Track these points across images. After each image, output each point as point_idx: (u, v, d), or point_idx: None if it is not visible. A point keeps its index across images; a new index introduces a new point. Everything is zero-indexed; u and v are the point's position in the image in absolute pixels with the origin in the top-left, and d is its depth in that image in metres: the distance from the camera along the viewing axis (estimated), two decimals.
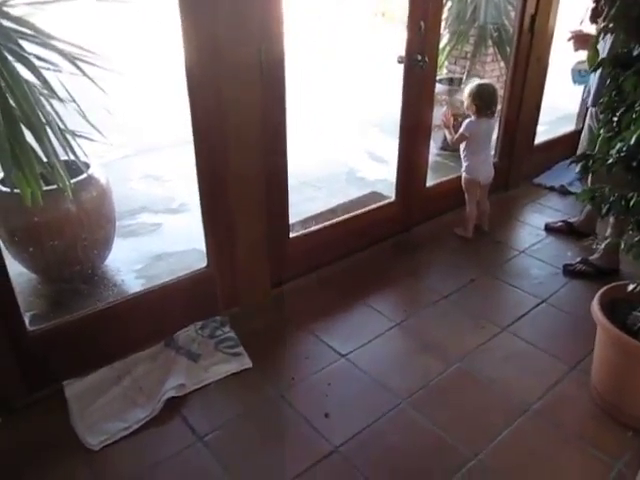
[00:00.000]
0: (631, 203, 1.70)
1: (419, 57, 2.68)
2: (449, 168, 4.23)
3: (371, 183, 4.04)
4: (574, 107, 4.91)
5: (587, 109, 2.94)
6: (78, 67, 2.37)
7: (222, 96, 2.10)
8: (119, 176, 4.31)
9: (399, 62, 2.73)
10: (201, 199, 2.29)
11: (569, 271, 2.88)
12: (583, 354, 2.31)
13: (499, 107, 3.33)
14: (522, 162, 3.76)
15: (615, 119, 1.64)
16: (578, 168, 1.99)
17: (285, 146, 2.43)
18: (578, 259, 2.91)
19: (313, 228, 2.81)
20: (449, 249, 3.11)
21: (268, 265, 2.58)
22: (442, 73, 5.38)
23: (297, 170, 4.32)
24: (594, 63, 1.69)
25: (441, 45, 4.56)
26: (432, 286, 2.79)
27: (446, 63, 5.23)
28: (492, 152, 3.18)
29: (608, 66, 1.76)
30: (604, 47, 2.60)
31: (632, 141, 1.49)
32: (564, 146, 4.15)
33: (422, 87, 2.80)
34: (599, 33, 1.63)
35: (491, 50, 4.66)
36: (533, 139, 3.81)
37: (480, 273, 2.88)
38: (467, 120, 3.05)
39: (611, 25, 1.49)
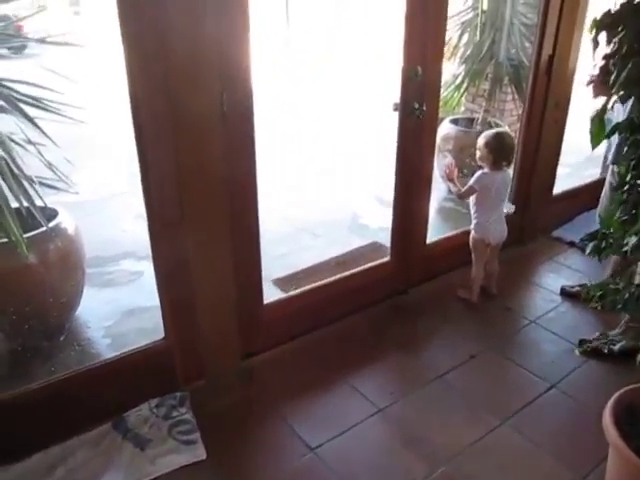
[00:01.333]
0: None
1: (416, 105, 2.40)
2: (459, 215, 3.91)
3: (374, 232, 3.73)
4: (601, 149, 4.56)
5: (608, 165, 2.60)
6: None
7: (179, 157, 1.86)
8: (110, 215, 4.13)
9: (394, 110, 2.45)
10: (155, 265, 2.03)
11: (586, 349, 2.52)
12: (595, 460, 1.95)
13: None
14: (539, 213, 3.42)
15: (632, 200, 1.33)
16: (589, 250, 1.66)
17: (255, 200, 2.18)
18: (597, 334, 2.54)
19: (293, 293, 2.53)
20: (450, 315, 2.78)
21: (238, 334, 2.29)
22: (459, 112, 5.10)
23: (295, 215, 4.10)
24: (598, 141, 1.38)
25: (457, 81, 4.31)
26: (426, 362, 2.46)
27: (463, 101, 4.95)
28: (503, 213, 2.84)
29: (626, 131, 1.44)
30: (624, 109, 2.29)
31: None
32: (587, 195, 3.77)
33: (420, 137, 2.51)
34: (606, 103, 1.32)
35: (510, 89, 4.35)
36: (551, 188, 3.47)
37: (482, 347, 2.53)
38: (480, 172, 2.73)
39: (622, 92, 1.18)
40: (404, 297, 2.87)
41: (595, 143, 1.37)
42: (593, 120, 1.37)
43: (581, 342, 2.54)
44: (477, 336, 2.63)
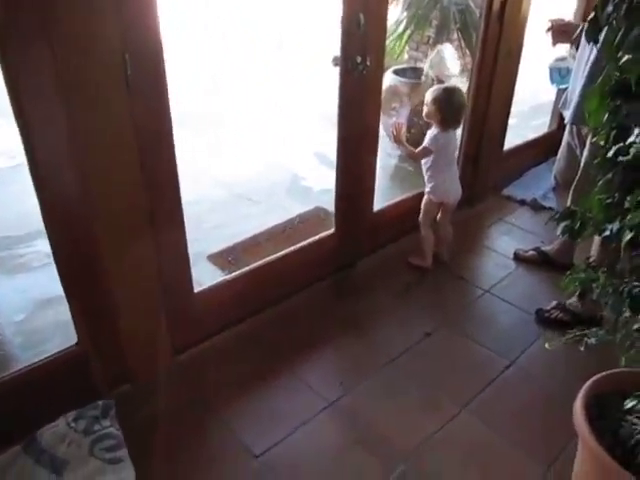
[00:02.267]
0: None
1: (359, 59, 2.10)
2: (412, 175, 3.69)
3: (316, 195, 3.46)
4: (550, 96, 4.40)
5: (565, 125, 2.40)
6: None
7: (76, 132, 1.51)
8: (20, 187, 3.66)
9: (334, 64, 2.15)
10: (57, 260, 1.70)
11: (543, 318, 2.39)
12: (561, 445, 1.83)
13: None
14: (489, 171, 3.24)
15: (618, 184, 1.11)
16: (560, 230, 1.46)
17: (176, 178, 1.84)
18: (553, 303, 2.41)
19: (227, 277, 2.25)
20: (402, 288, 2.58)
21: (167, 328, 2.01)
22: (402, 60, 4.81)
23: (231, 179, 3.69)
24: (599, 119, 1.14)
25: (400, 29, 4.00)
26: (378, 344, 2.26)
27: (407, 48, 4.65)
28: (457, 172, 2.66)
29: (606, 96, 1.21)
30: (583, 55, 2.07)
31: None
32: (537, 150, 3.64)
33: (364, 94, 2.22)
34: (606, 76, 1.06)
35: (457, 35, 4.08)
36: (502, 145, 3.28)
37: (437, 323, 2.36)
38: (432, 132, 2.50)
39: (627, 56, 0.94)
40: (352, 271, 2.65)
41: (594, 121, 1.13)
42: (590, 96, 1.12)
43: (537, 312, 2.41)
44: (431, 310, 2.45)
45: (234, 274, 2.23)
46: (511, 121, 3.61)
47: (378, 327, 2.35)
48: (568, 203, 2.19)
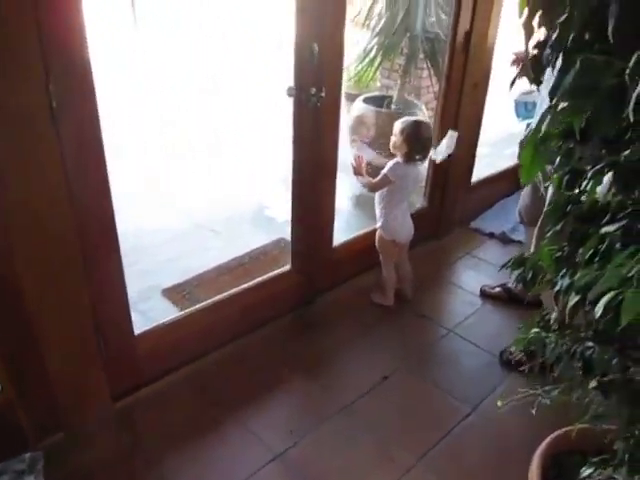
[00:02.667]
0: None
1: (313, 90, 2.01)
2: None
3: (281, 226, 3.34)
4: (523, 126, 4.38)
5: None
6: None
7: None
8: None
9: (288, 95, 2.06)
10: None
11: (506, 361, 2.28)
12: None
13: None
14: (457, 203, 3.16)
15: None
16: (514, 278, 1.37)
17: (112, 219, 1.73)
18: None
19: (174, 317, 2.11)
20: (361, 327, 2.46)
21: (104, 373, 1.87)
22: (375, 87, 4.77)
23: (194, 208, 3.52)
24: (530, 175, 1.04)
25: (370, 56, 3.95)
26: (333, 388, 2.14)
27: (379, 76, 4.62)
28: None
29: (559, 139, 1.13)
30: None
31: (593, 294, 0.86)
32: (507, 181, 3.57)
33: (320, 127, 2.13)
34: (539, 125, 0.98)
35: (426, 64, 4.04)
36: (470, 176, 3.22)
37: (396, 365, 2.25)
38: (394, 161, 2.40)
39: (564, 104, 0.85)
40: (311, 307, 2.53)
41: (526, 176, 1.03)
42: (524, 145, 1.02)
43: (501, 354, 2.31)
44: (391, 351, 2.34)
45: (181, 314, 2.11)
46: (484, 150, 3.57)
47: (334, 369, 2.24)
48: (532, 243, 2.11)
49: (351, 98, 4.51)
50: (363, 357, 2.30)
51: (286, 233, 3.17)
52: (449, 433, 1.97)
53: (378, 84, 4.80)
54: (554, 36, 0.84)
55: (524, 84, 2.43)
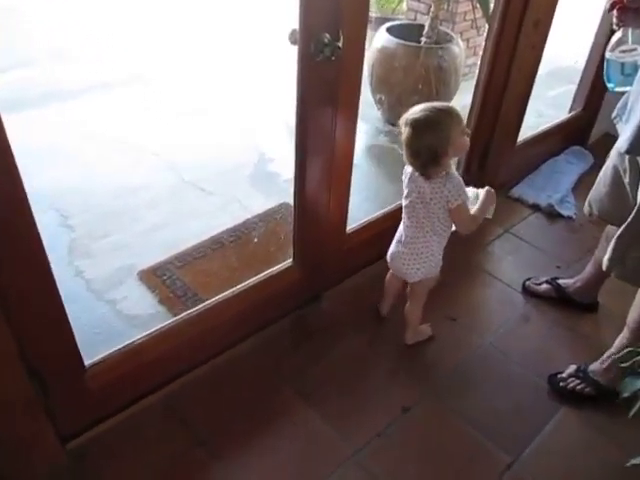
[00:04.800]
0: None
1: (326, 38, 1.43)
2: (398, 155, 3.05)
3: (285, 185, 2.81)
4: (574, 60, 3.68)
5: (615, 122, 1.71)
6: None
7: None
8: None
9: (291, 42, 1.48)
10: None
11: (558, 389, 1.83)
12: None
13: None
14: (499, 168, 2.61)
15: None
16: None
17: (32, 225, 1.22)
18: (571, 369, 1.85)
19: (141, 337, 1.63)
20: (375, 334, 2.00)
21: (47, 416, 1.44)
22: (401, 10, 4.05)
23: (184, 160, 2.93)
24: None
25: None
26: (338, 423, 1.71)
27: None
28: (424, 243, 1.73)
29: None
30: None
31: None
32: (555, 138, 2.99)
33: (335, 91, 1.57)
34: None
35: None
36: (516, 135, 2.63)
37: (419, 391, 1.80)
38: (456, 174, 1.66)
39: None
40: (315, 306, 2.06)
41: None
42: None
43: (551, 379, 1.86)
44: (412, 370, 1.89)
45: (147, 335, 1.63)
46: None
47: (342, 394, 1.79)
48: (608, 252, 1.59)
49: (373, 24, 3.82)
50: (377, 378, 1.85)
51: (291, 196, 2.67)
52: None
53: (404, 6, 4.07)
54: None
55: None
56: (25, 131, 3.17)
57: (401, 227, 1.77)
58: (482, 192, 1.72)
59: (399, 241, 1.77)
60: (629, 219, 1.50)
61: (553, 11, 2.20)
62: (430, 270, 1.75)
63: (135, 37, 4.59)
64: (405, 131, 1.53)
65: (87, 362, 1.49)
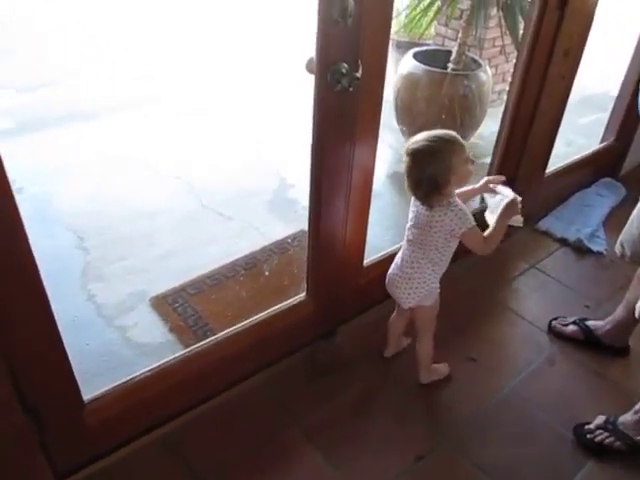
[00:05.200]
0: None
1: (344, 68, 1.37)
2: None
3: (304, 211, 2.73)
4: (606, 87, 3.58)
5: None
6: None
7: None
8: None
9: (308, 71, 1.43)
10: None
11: (585, 441, 1.71)
12: None
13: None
14: (526, 200, 2.49)
15: None
16: None
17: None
18: (600, 420, 1.73)
19: (143, 372, 1.57)
20: (390, 375, 1.91)
21: (44, 454, 1.39)
22: (429, 35, 4.00)
23: (203, 184, 2.90)
24: None
25: (425, 2, 3.20)
26: (346, 468, 1.61)
27: (435, 23, 3.84)
28: (418, 269, 1.64)
29: None
30: None
31: None
32: (586, 169, 2.88)
33: (353, 122, 1.51)
34: None
35: (495, 11, 3.27)
36: (545, 166, 2.54)
37: (435, 439, 1.70)
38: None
39: None
40: (328, 342, 1.98)
41: None
42: None
43: (577, 430, 1.74)
44: (426, 415, 1.79)
45: (150, 369, 1.57)
46: None
47: (350, 439, 1.70)
48: None
49: (400, 47, 3.79)
50: (390, 421, 1.75)
51: None
52: None
53: (432, 31, 4.02)
54: None
55: None
56: (43, 151, 3.21)
57: (400, 251, 1.70)
58: (502, 204, 1.62)
59: (396, 264, 1.70)
60: None
61: (585, 40, 2.12)
62: (424, 298, 1.67)
63: (151, 57, 4.62)
64: (406, 161, 1.47)
65: (86, 397, 1.44)
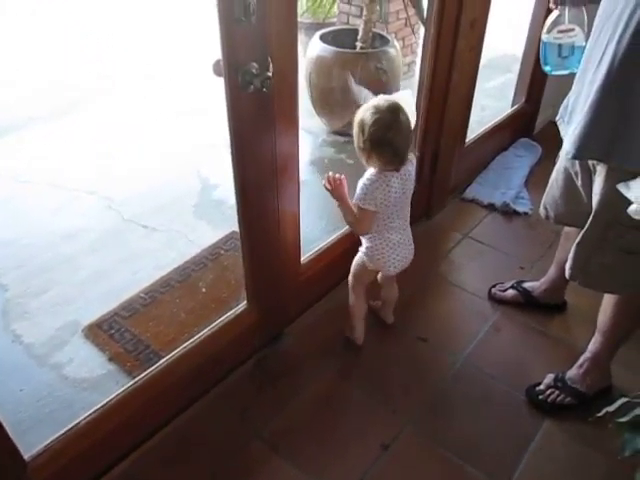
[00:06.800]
0: None
1: (253, 68, 1.30)
2: (346, 166, 2.97)
3: (231, 210, 2.63)
4: (512, 48, 3.66)
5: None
6: None
7: None
8: None
9: (217, 74, 1.35)
10: None
11: (537, 402, 1.77)
12: None
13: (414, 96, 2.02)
14: (449, 172, 2.54)
15: None
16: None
17: None
18: (549, 379, 1.79)
19: (79, 421, 1.46)
20: (343, 367, 1.89)
21: None
22: (333, 14, 3.96)
23: (123, 196, 2.75)
24: None
25: None
26: (316, 472, 1.58)
27: (338, 1, 3.80)
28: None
29: None
30: (602, 36, 1.30)
31: None
32: (502, 133, 2.95)
33: (269, 120, 1.44)
34: None
35: None
36: (464, 137, 2.57)
37: (398, 425, 1.70)
38: (364, 180, 1.56)
39: None
40: (275, 347, 1.93)
41: None
42: None
43: (529, 392, 1.79)
44: (388, 401, 1.79)
45: (93, 412, 1.46)
46: None
47: (315, 442, 1.67)
48: (570, 260, 1.52)
49: (306, 30, 3.73)
50: (351, 416, 1.74)
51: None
52: None
53: (335, 10, 3.98)
54: None
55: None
56: None
57: (392, 234, 1.67)
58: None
59: (398, 243, 1.69)
60: (587, 225, 1.43)
61: (488, 9, 2.14)
62: None
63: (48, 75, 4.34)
64: (387, 119, 1.45)
65: (27, 455, 1.32)
